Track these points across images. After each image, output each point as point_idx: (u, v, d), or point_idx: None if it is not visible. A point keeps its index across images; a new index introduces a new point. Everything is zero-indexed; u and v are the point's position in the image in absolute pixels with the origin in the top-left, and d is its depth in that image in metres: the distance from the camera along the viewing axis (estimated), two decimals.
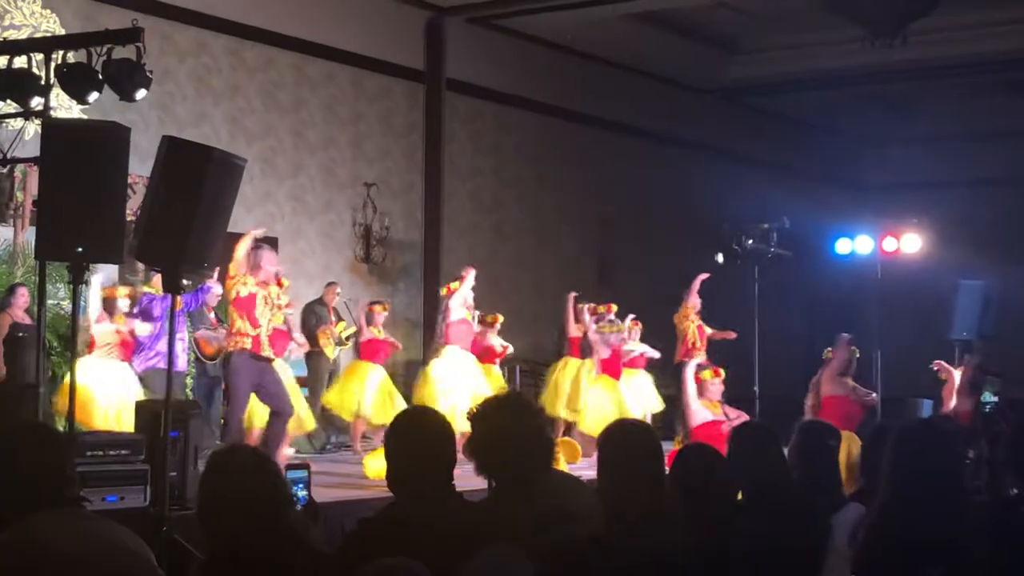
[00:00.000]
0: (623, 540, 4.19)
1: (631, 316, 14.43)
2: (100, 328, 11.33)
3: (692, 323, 14.60)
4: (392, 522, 3.88)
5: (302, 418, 11.65)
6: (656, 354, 14.66)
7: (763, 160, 22.06)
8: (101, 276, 11.55)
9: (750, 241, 15.15)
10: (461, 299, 12.05)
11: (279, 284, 11.62)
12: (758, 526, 4.78)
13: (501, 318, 14.41)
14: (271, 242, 15.94)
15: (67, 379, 11.05)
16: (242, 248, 10.31)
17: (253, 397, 10.39)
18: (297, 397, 11.67)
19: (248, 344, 10.06)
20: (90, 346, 11.38)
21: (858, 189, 23.56)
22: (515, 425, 4.24)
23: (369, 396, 12.44)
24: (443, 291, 12.32)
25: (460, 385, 11.64)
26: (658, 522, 4.28)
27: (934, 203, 19.80)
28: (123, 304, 11.44)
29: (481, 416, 4.31)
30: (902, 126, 22.95)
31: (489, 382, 14.09)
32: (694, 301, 14.79)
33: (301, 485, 5.32)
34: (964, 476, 4.55)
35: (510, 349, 14.20)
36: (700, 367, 11.25)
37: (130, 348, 11.44)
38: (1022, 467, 4.52)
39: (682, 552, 4.26)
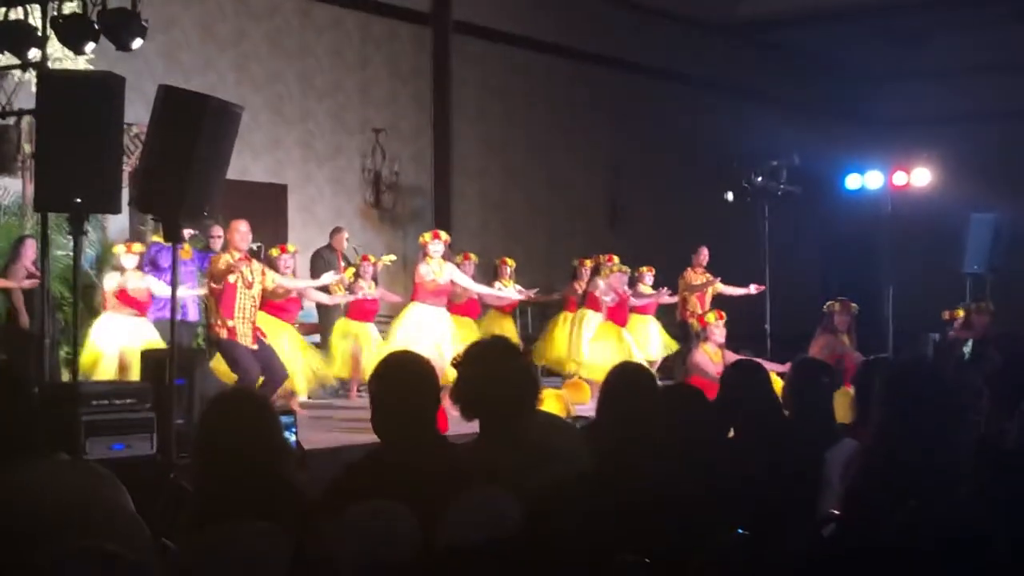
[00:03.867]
0: (610, 477, 4.22)
1: (646, 267, 14.44)
2: (110, 285, 11.38)
3: (693, 295, 14.62)
4: (377, 466, 3.90)
5: (320, 375, 11.75)
6: (670, 299, 14.61)
7: (773, 97, 21.91)
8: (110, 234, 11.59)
9: (759, 179, 15.13)
10: (432, 264, 11.89)
11: (284, 250, 11.66)
12: (748, 461, 4.81)
13: (510, 262, 14.40)
14: (280, 190, 16.05)
15: (87, 333, 11.23)
16: None
17: None
18: (310, 357, 11.71)
19: (225, 335, 10.06)
20: (104, 304, 11.44)
21: (868, 124, 23.39)
22: (499, 368, 4.26)
23: (363, 356, 12.41)
24: (426, 236, 12.19)
25: (424, 337, 11.56)
26: (646, 458, 4.30)
27: (944, 137, 19.69)
28: (128, 261, 11.39)
29: (466, 360, 4.34)
30: (912, 59, 22.74)
31: (504, 329, 14.21)
32: (696, 273, 14.80)
33: (293, 431, 5.36)
34: (957, 413, 4.51)
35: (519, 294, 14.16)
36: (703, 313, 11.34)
37: (145, 306, 11.46)
38: (1010, 399, 4.51)
39: (671, 488, 4.29)
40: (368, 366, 12.25)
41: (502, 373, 4.25)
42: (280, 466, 3.78)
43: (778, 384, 7.16)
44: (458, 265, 12.75)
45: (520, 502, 3.94)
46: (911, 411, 4.18)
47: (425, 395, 3.99)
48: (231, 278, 9.94)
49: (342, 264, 13.77)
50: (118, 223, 12.94)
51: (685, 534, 3.92)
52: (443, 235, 12.05)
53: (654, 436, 4.36)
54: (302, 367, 11.55)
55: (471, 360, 4.34)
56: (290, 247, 11.88)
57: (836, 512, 4.26)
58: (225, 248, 10.41)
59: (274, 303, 11.35)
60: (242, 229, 10.23)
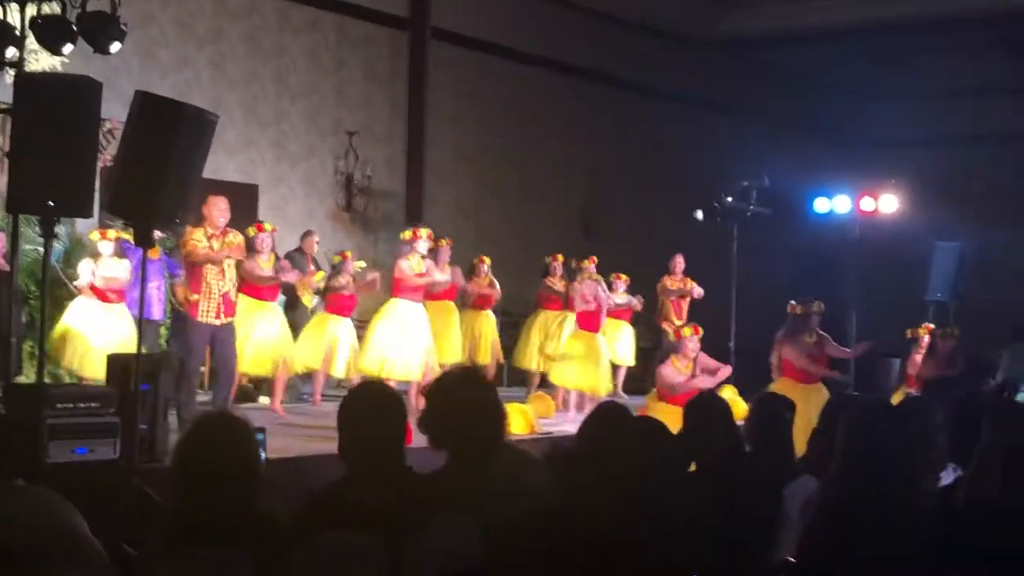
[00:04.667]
0: (574, 513, 4.26)
1: (615, 275, 14.45)
2: (84, 279, 11.36)
3: (668, 299, 14.70)
4: (343, 495, 3.94)
5: (287, 363, 11.74)
6: (639, 306, 14.66)
7: (746, 115, 22.00)
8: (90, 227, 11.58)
9: (730, 199, 15.24)
10: (414, 261, 11.98)
11: (261, 229, 11.63)
12: (709, 497, 4.86)
13: (487, 260, 14.47)
14: (251, 190, 16.03)
15: (59, 325, 11.23)
16: None
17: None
18: (286, 343, 11.74)
19: (187, 309, 10.28)
20: (80, 290, 11.44)
21: (839, 145, 23.54)
22: (468, 399, 4.30)
23: (338, 351, 12.42)
24: (408, 234, 12.25)
25: (404, 333, 11.68)
26: (613, 494, 4.35)
27: (913, 161, 19.89)
28: (105, 248, 11.41)
29: (435, 390, 4.38)
30: (886, 83, 22.91)
31: (485, 328, 14.29)
32: (673, 280, 14.88)
33: (262, 450, 5.38)
34: (920, 458, 4.53)
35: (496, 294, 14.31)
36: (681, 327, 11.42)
37: (123, 291, 11.47)
38: (958, 444, 4.53)
39: (634, 525, 4.33)
40: (341, 361, 12.32)
41: (471, 405, 4.29)
42: (256, 495, 3.80)
43: (743, 410, 7.26)
44: (434, 250, 12.77)
45: (484, 535, 3.98)
46: (875, 453, 4.20)
47: (393, 425, 4.04)
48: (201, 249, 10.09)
49: (312, 268, 13.78)
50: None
51: (643, 571, 3.96)
52: (424, 232, 12.11)
53: (621, 472, 4.41)
54: (275, 350, 11.60)
55: (440, 390, 4.38)
56: (267, 225, 11.80)
57: (791, 559, 4.31)
58: (200, 223, 10.38)
59: (254, 288, 11.41)
60: (220, 205, 10.35)
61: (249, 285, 11.30)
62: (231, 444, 3.80)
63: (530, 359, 14.64)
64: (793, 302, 11.28)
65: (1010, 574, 3.74)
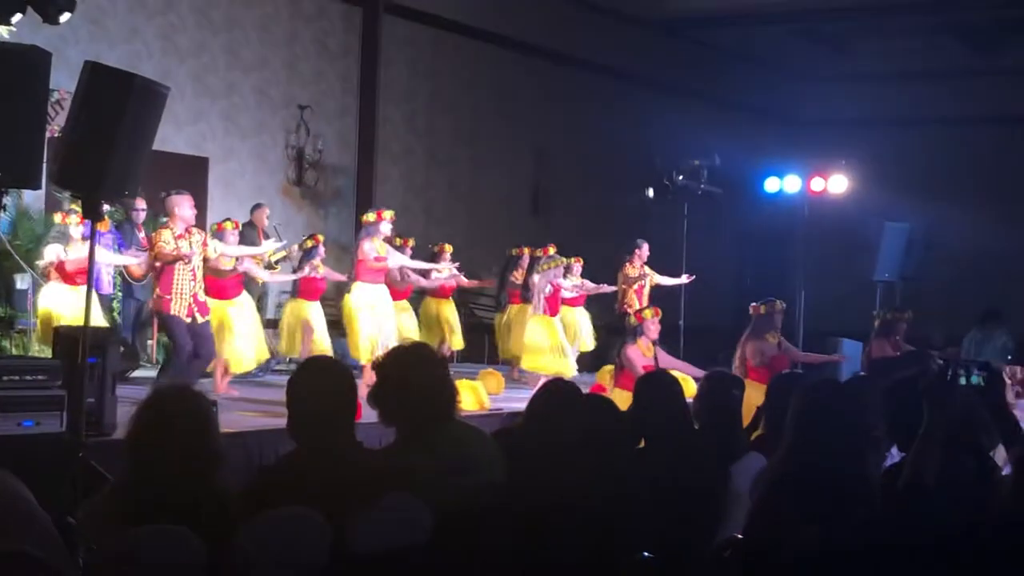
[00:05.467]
0: (522, 487, 4.29)
1: (573, 258, 14.29)
2: (50, 261, 11.19)
3: (631, 288, 14.62)
4: (291, 471, 3.94)
5: (243, 360, 11.62)
6: (608, 289, 14.60)
7: (696, 94, 22.04)
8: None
9: (680, 177, 15.30)
10: (376, 243, 11.93)
11: (220, 229, 11.62)
12: (657, 473, 4.90)
13: (449, 248, 14.37)
14: (201, 163, 15.91)
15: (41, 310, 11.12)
16: None
17: None
18: (255, 338, 11.70)
19: (162, 306, 10.30)
20: (48, 274, 11.26)
21: (789, 125, 23.68)
22: (418, 375, 4.31)
23: (317, 335, 12.44)
24: (372, 216, 12.19)
25: (373, 314, 11.68)
26: (559, 469, 4.38)
27: (863, 142, 20.03)
28: (77, 232, 11.21)
29: (385, 365, 4.39)
30: (835, 63, 23.05)
31: (449, 315, 14.28)
32: (635, 268, 14.79)
33: None
34: (867, 437, 4.56)
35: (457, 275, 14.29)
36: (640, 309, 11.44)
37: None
38: (895, 426, 4.56)
39: (581, 497, 4.36)
40: (315, 345, 12.33)
41: (421, 381, 4.30)
42: (210, 472, 3.76)
43: (692, 389, 7.29)
44: (397, 249, 12.76)
45: (433, 510, 4.00)
46: (824, 431, 4.23)
47: (342, 400, 4.03)
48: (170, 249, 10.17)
49: (262, 240, 13.71)
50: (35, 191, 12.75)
51: (592, 550, 4.00)
52: (388, 214, 12.05)
53: (568, 447, 4.44)
54: (251, 344, 11.58)
55: (391, 366, 4.38)
56: (227, 224, 11.79)
57: (739, 535, 4.35)
58: (167, 223, 10.45)
59: (217, 283, 11.24)
60: (186, 204, 10.37)
61: (214, 286, 11.15)
62: (189, 417, 3.76)
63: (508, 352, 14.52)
64: (755, 304, 11.27)
65: (947, 557, 3.78)
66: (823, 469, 4.14)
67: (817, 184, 15.99)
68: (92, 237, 7.85)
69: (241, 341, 11.40)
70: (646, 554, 4.01)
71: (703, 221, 16.19)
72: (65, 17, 8.53)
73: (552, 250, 13.78)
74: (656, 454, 5.12)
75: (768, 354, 10.83)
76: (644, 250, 14.73)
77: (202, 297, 10.48)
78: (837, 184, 16.01)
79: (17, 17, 8.46)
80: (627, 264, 14.78)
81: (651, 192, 15.71)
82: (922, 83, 22.57)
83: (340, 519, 3.72)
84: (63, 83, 10.31)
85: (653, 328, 10.94)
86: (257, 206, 14.21)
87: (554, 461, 4.38)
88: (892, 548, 3.79)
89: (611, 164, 20.23)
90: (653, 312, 11.10)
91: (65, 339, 8.04)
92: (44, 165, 7.79)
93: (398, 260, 12.44)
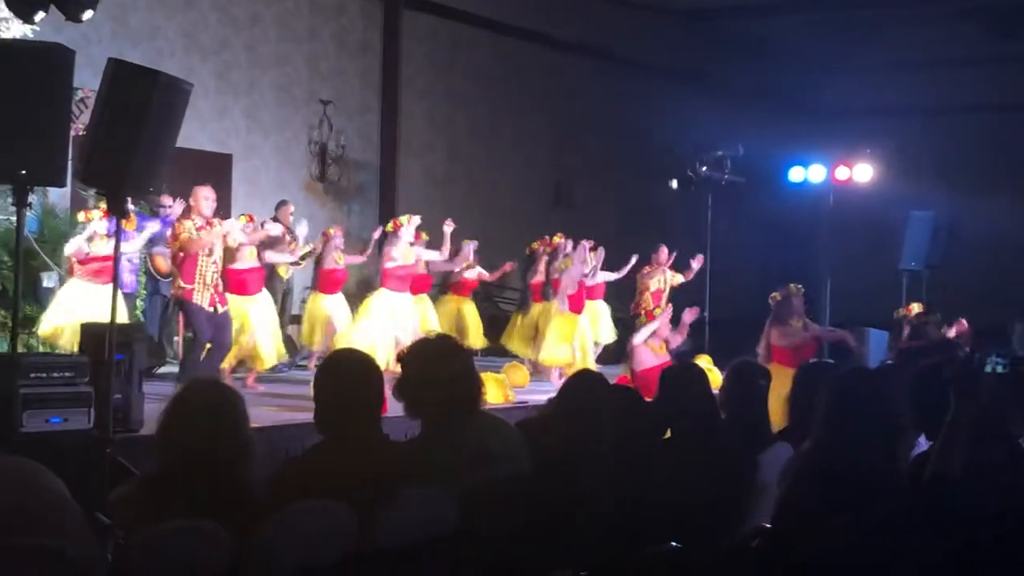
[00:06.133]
0: (548, 480, 4.28)
1: (588, 243, 13.84)
2: (72, 250, 11.13)
3: (649, 290, 14.55)
4: (318, 463, 3.94)
5: (265, 357, 11.54)
6: (618, 275, 14.53)
7: (720, 85, 21.94)
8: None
9: (704, 168, 15.25)
10: (403, 247, 11.92)
11: (250, 219, 11.66)
12: (682, 463, 4.88)
13: (471, 242, 14.29)
14: (225, 160, 15.95)
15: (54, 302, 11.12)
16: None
17: None
18: (273, 334, 11.68)
19: (183, 295, 10.35)
20: (71, 270, 11.25)
21: (813, 115, 23.54)
22: (443, 367, 4.30)
23: (338, 328, 12.44)
24: (389, 226, 12.20)
25: (391, 325, 11.63)
26: (586, 459, 4.37)
27: (887, 130, 19.89)
28: (101, 227, 11.19)
29: (410, 358, 4.38)
30: (860, 53, 22.90)
31: (468, 313, 14.27)
32: (653, 270, 14.72)
33: None
34: (896, 426, 4.53)
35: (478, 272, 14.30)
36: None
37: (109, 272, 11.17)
38: (922, 414, 4.52)
39: (607, 487, 4.36)
40: (338, 337, 12.33)
41: (445, 373, 4.29)
42: (239, 465, 3.74)
43: (718, 380, 7.27)
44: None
45: (458, 502, 4.00)
46: (853, 420, 4.20)
47: (368, 393, 4.03)
48: (192, 238, 10.19)
49: (287, 237, 13.73)
50: (60, 188, 12.78)
51: (619, 540, 3.99)
52: (404, 219, 12.05)
53: (595, 438, 4.43)
54: (270, 340, 11.56)
55: (415, 359, 4.38)
56: (242, 218, 11.82)
57: (767, 525, 4.33)
58: (187, 214, 10.50)
59: (238, 277, 11.26)
60: (207, 195, 10.42)
61: (235, 281, 11.18)
62: (219, 411, 3.75)
63: (522, 348, 14.44)
64: (773, 293, 11.25)
65: (975, 546, 3.75)
66: (851, 458, 4.12)
67: (842, 173, 15.94)
68: (117, 234, 7.88)
69: (261, 337, 11.38)
70: (673, 544, 3.99)
71: (727, 211, 16.13)
72: (88, 15, 8.56)
73: (558, 239, 13.76)
74: (682, 444, 5.10)
75: (794, 337, 10.79)
76: (662, 254, 14.68)
77: (222, 288, 10.53)
78: (862, 173, 15.95)
79: (40, 15, 8.48)
80: (646, 268, 14.71)
81: (675, 183, 15.66)
82: (947, 71, 22.40)
83: (366, 511, 3.72)
84: (86, 81, 10.33)
85: (664, 328, 10.98)
86: (282, 203, 14.25)
87: (581, 451, 4.38)
88: (920, 537, 3.77)
89: (634, 156, 20.18)
90: (664, 311, 11.12)
91: (91, 335, 8.07)
92: (69, 163, 7.82)
93: (425, 257, 12.49)
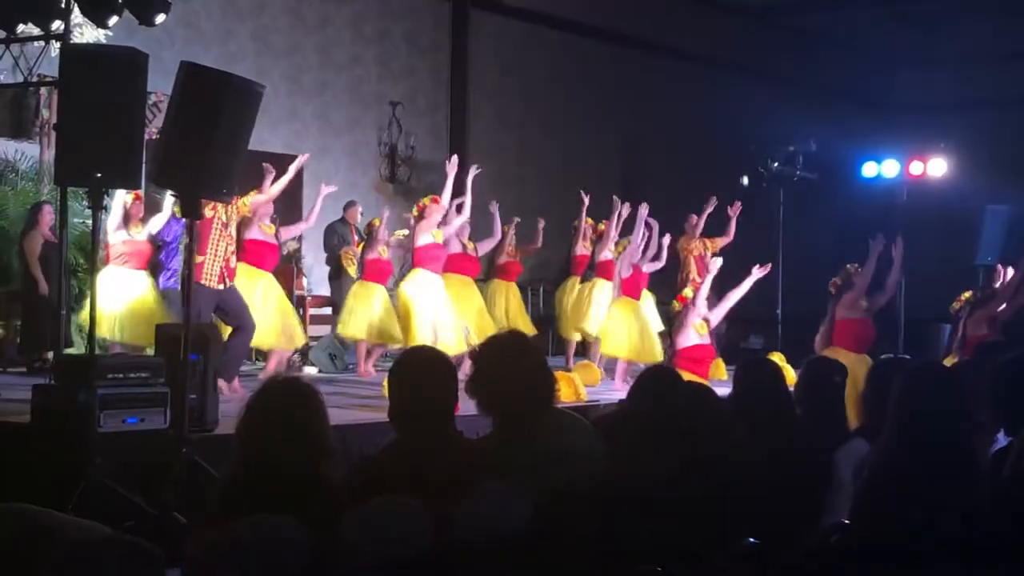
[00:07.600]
0: (624, 475, 4.26)
1: (644, 209, 13.37)
2: (115, 238, 11.08)
3: (692, 254, 14.43)
4: (392, 460, 3.95)
5: (292, 335, 11.36)
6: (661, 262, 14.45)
7: (790, 81, 21.79)
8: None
9: (776, 164, 15.13)
10: (431, 225, 11.93)
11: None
12: (760, 460, 4.84)
13: (511, 227, 14.24)
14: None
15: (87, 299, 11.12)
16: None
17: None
18: (286, 313, 11.45)
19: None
20: (106, 258, 11.27)
21: (886, 110, 23.29)
22: (515, 364, 4.30)
23: (376, 317, 12.41)
24: (414, 211, 12.24)
25: (428, 304, 11.66)
26: (661, 456, 4.34)
27: (962, 126, 19.59)
28: (138, 210, 11.08)
29: (483, 355, 4.38)
30: (931, 46, 22.63)
31: (513, 299, 14.21)
32: (695, 233, 14.59)
33: None
34: (972, 422, 4.47)
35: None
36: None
37: (145, 257, 11.19)
38: (1001, 410, 4.46)
39: (682, 484, 4.32)
40: (381, 328, 12.34)
41: (519, 370, 4.29)
42: (319, 463, 3.75)
43: (791, 377, 7.22)
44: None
45: (532, 500, 3.98)
46: (928, 416, 4.16)
47: (443, 391, 4.03)
48: (208, 212, 9.81)
49: (355, 239, 13.80)
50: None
51: (695, 537, 3.96)
52: (426, 200, 12.08)
53: (669, 434, 4.40)
54: (273, 320, 11.20)
55: (488, 355, 4.38)
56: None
57: (845, 521, 4.29)
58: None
59: (254, 249, 10.97)
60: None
61: (252, 252, 10.92)
62: (300, 409, 3.76)
63: (568, 330, 14.41)
64: (834, 279, 11.16)
65: None
66: (927, 454, 4.08)
67: (916, 168, 15.77)
68: (191, 238, 7.97)
69: (261, 315, 10.90)
70: (752, 540, 3.95)
71: (799, 208, 15.99)
72: (160, 18, 8.66)
73: (603, 226, 13.71)
74: (758, 440, 5.06)
75: (857, 308, 10.65)
76: (692, 220, 14.57)
77: (233, 263, 10.34)
78: (936, 168, 15.77)
79: (113, 20, 8.58)
80: (682, 239, 14.59)
81: (746, 180, 15.54)
82: (1021, 63, 22.05)
83: (441, 508, 3.72)
84: (159, 85, 10.44)
85: (701, 304, 10.94)
86: (350, 203, 14.33)
87: (655, 448, 4.35)
88: (1000, 534, 3.71)
89: (704, 152, 20.04)
90: (692, 287, 11.09)
91: (167, 336, 8.15)
92: (143, 165, 7.92)
93: (455, 224, 12.47)
